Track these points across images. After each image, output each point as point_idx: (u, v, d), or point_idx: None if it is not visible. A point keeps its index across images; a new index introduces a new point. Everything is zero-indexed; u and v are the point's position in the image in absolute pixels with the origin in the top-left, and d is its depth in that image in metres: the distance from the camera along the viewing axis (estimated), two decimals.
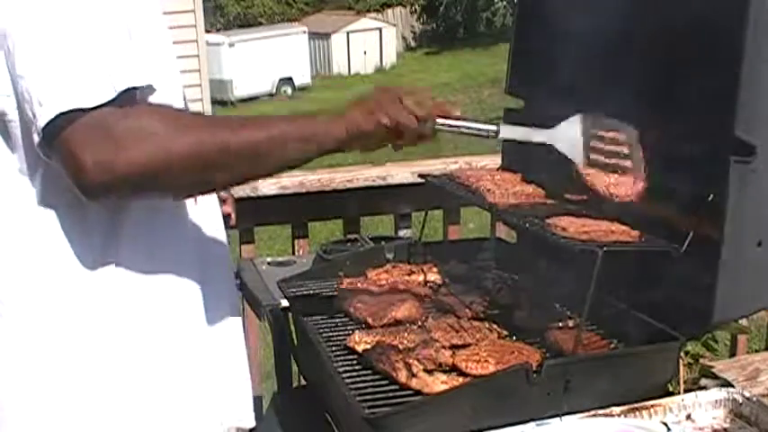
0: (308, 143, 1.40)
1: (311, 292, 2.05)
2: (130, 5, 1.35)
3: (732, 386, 1.71)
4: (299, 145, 1.40)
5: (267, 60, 21.69)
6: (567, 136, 1.69)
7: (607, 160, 1.71)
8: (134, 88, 1.27)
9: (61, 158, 1.25)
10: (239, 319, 1.68)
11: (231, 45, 21.60)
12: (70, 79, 1.23)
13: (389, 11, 29.10)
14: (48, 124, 1.22)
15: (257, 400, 3.09)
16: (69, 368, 1.38)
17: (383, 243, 2.44)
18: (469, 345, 1.69)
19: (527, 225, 1.77)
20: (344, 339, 1.76)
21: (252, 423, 1.67)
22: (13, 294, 1.37)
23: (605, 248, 1.54)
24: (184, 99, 1.58)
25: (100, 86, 1.24)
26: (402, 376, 1.56)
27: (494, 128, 1.57)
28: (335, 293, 1.99)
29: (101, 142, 1.22)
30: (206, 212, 1.57)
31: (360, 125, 1.43)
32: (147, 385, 1.43)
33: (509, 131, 1.63)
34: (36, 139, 1.25)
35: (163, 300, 1.45)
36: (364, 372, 1.63)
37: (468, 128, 1.54)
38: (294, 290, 2.03)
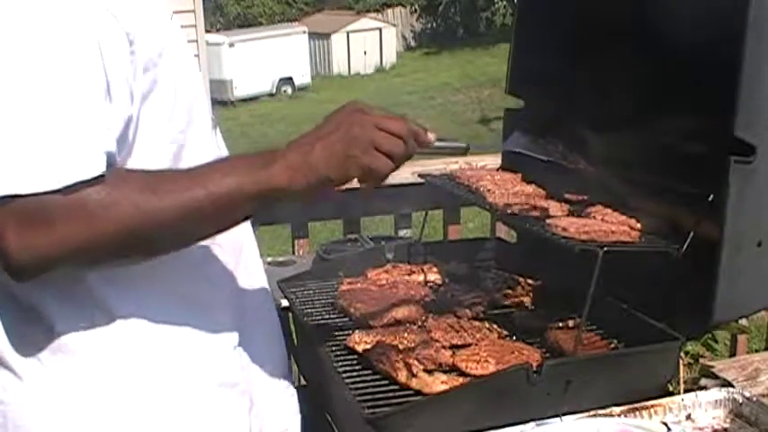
0: (261, 201, 1.24)
1: (311, 291, 2.05)
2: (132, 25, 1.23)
3: (732, 386, 1.71)
4: (245, 204, 1.24)
5: (267, 60, 21.71)
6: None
7: None
8: (82, 182, 1.14)
9: None
10: (283, 348, 1.63)
11: (231, 45, 21.61)
12: (15, 160, 1.11)
13: (389, 11, 29.10)
14: None
15: None
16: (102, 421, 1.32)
17: (383, 243, 2.44)
18: (469, 345, 1.69)
19: (527, 225, 1.77)
20: (344, 339, 1.76)
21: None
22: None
23: (605, 248, 1.54)
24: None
25: (47, 173, 1.12)
26: (402, 376, 1.56)
27: (463, 145, 1.50)
28: (335, 293, 1.99)
29: (30, 227, 1.12)
30: (235, 250, 1.48)
31: (321, 173, 1.23)
32: None
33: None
34: None
35: (187, 345, 1.37)
36: (364, 372, 1.63)
37: (442, 148, 1.45)
38: (294, 290, 2.03)
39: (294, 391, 1.67)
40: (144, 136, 1.27)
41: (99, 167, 1.15)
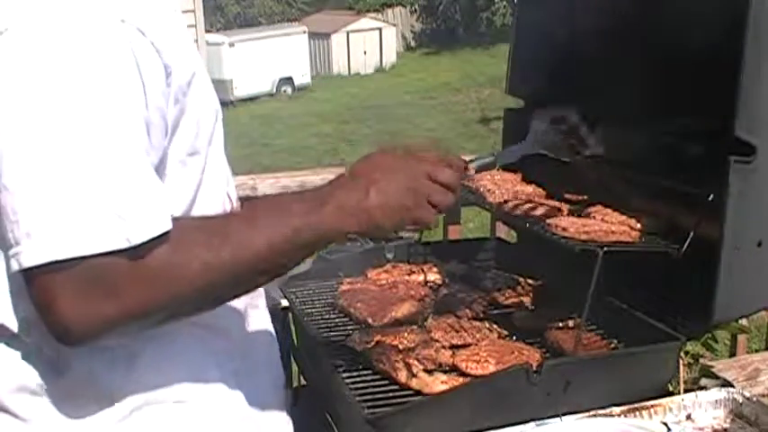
0: (315, 246, 1.20)
1: (311, 291, 2.05)
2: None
3: (732, 386, 1.71)
4: (302, 250, 1.19)
5: (267, 60, 21.70)
6: (546, 138, 1.69)
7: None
8: (151, 240, 1.05)
9: (39, 303, 1.04)
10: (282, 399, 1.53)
11: (231, 45, 21.61)
12: (77, 219, 1.01)
13: (389, 11, 29.10)
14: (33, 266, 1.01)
15: None
16: None
17: (383, 243, 2.44)
18: (469, 345, 1.69)
19: (527, 225, 1.77)
20: (344, 339, 1.76)
21: None
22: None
23: (605, 248, 1.54)
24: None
25: (109, 233, 1.02)
26: (402, 376, 1.56)
27: (492, 158, 1.55)
28: (335, 293, 1.99)
29: (92, 293, 1.03)
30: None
31: (375, 221, 1.20)
32: None
33: (506, 156, 1.67)
34: (14, 266, 1.03)
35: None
36: (364, 372, 1.63)
37: (478, 168, 1.50)
38: (294, 290, 2.03)
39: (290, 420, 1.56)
40: (171, 168, 1.21)
41: (167, 223, 1.07)
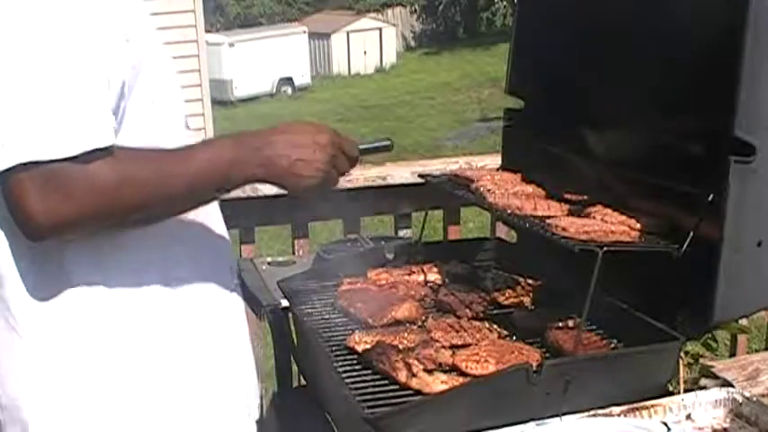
0: (227, 179, 1.38)
1: (311, 291, 2.05)
2: (120, 25, 1.34)
3: (732, 386, 1.71)
4: (224, 186, 1.39)
5: (267, 60, 21.70)
6: None
7: None
8: (94, 151, 1.25)
9: (10, 201, 1.24)
10: (241, 310, 1.67)
11: (231, 45, 21.61)
12: (37, 129, 1.21)
13: (389, 11, 29.11)
14: (5, 169, 1.21)
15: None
16: (77, 376, 1.37)
17: (383, 243, 2.44)
18: (469, 345, 1.69)
19: (527, 225, 1.77)
20: (344, 339, 1.76)
21: (256, 415, 1.65)
22: (22, 310, 1.37)
23: (605, 248, 1.54)
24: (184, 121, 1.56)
25: (65, 141, 1.22)
26: (402, 376, 1.56)
27: (387, 142, 1.63)
28: (335, 293, 1.99)
29: (51, 193, 1.22)
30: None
31: (281, 170, 1.39)
32: (151, 389, 1.41)
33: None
34: None
35: (153, 303, 1.42)
36: (364, 372, 1.63)
37: (373, 147, 1.61)
38: (294, 289, 2.03)
39: (254, 368, 1.68)
40: (125, 132, 1.36)
41: (109, 138, 1.26)
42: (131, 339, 1.39)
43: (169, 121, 1.47)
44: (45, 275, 1.35)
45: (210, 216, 1.58)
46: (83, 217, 1.25)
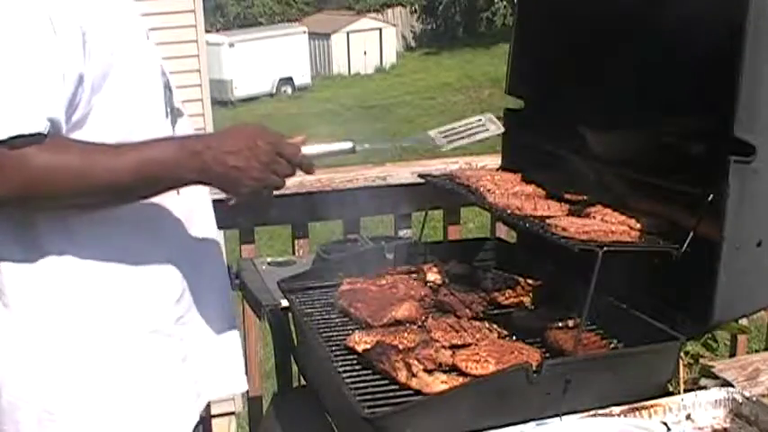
0: (159, 179, 1.43)
1: (311, 291, 2.05)
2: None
3: (732, 386, 1.71)
4: (154, 186, 1.44)
5: (267, 60, 21.72)
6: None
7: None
8: (22, 136, 1.32)
9: None
10: (231, 315, 1.75)
11: (231, 45, 21.63)
12: None
13: (389, 11, 29.12)
14: None
15: (257, 401, 3.10)
16: (45, 341, 1.47)
17: (383, 243, 2.44)
18: (469, 345, 1.69)
19: (527, 225, 1.77)
20: (344, 339, 1.76)
21: (239, 389, 1.77)
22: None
23: (605, 248, 1.54)
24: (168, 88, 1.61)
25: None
26: (402, 376, 1.56)
27: (349, 144, 1.62)
28: (335, 293, 1.99)
29: None
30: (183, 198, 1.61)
31: (215, 172, 1.43)
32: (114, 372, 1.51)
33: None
34: None
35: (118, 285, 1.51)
36: (364, 372, 1.63)
37: (329, 151, 1.60)
38: (294, 289, 2.03)
39: (241, 361, 1.79)
40: (94, 123, 1.44)
41: (38, 126, 1.33)
42: (93, 308, 1.48)
43: (147, 113, 1.52)
44: (23, 246, 1.44)
45: (196, 213, 1.63)
46: (10, 197, 1.35)
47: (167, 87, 1.59)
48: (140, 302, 1.53)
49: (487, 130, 1.77)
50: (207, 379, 1.69)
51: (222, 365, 1.73)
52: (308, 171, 1.53)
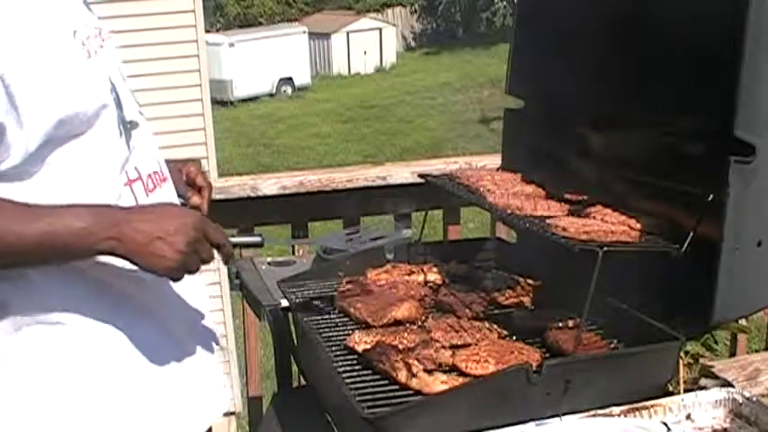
0: (67, 250, 1.36)
1: (311, 292, 2.05)
2: None
3: (732, 386, 1.71)
4: (63, 255, 1.36)
5: (267, 60, 21.71)
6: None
7: None
8: None
9: None
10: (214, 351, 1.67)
11: (231, 45, 21.62)
12: None
13: (389, 11, 29.12)
14: None
15: (257, 401, 3.10)
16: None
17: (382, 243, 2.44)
18: (469, 345, 1.69)
19: (527, 225, 1.77)
20: (344, 339, 1.76)
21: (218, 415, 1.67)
22: None
23: (605, 248, 1.54)
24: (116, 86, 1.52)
25: None
26: (402, 376, 1.56)
27: (258, 239, 1.65)
28: (335, 293, 1.99)
29: None
30: None
31: (134, 248, 1.36)
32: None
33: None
34: None
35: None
36: (364, 372, 1.63)
37: (242, 242, 1.63)
38: (294, 290, 2.03)
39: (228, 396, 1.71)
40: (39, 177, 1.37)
41: None
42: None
43: (96, 168, 1.44)
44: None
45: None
46: None
47: (117, 104, 1.48)
48: (120, 354, 1.47)
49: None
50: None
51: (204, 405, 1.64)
52: (227, 257, 1.48)
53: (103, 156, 1.44)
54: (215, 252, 1.45)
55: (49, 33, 1.37)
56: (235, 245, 1.53)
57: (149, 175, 1.52)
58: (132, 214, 1.39)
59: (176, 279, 1.41)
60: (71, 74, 1.38)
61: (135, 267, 1.39)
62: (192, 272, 1.42)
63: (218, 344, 1.68)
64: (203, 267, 1.49)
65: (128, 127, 1.51)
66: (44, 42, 1.35)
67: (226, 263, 1.52)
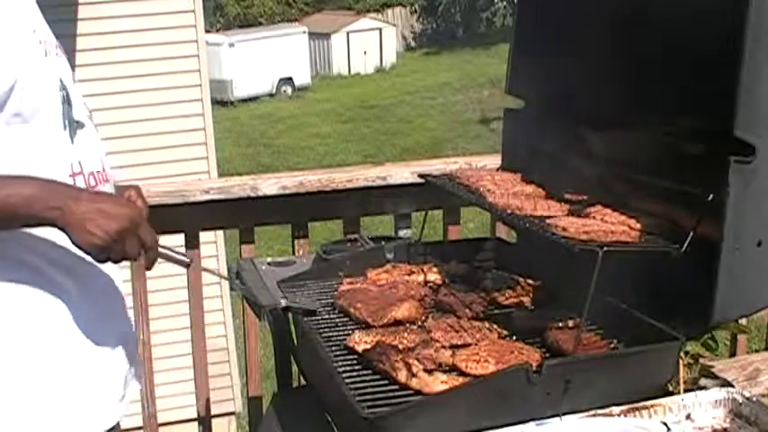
0: (15, 216, 1.43)
1: (311, 291, 2.05)
2: None
3: (732, 386, 1.71)
4: (14, 219, 1.44)
5: (267, 60, 21.72)
6: None
7: None
8: None
9: None
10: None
11: (231, 45, 21.63)
12: None
13: (389, 11, 29.12)
14: None
15: (257, 401, 3.10)
16: None
17: (383, 243, 2.44)
18: (469, 345, 1.69)
19: (527, 225, 1.77)
20: (344, 339, 1.76)
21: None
22: None
23: (605, 248, 1.54)
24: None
25: None
26: (402, 376, 1.56)
27: (187, 260, 1.68)
28: (335, 293, 1.99)
29: None
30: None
31: (74, 225, 1.43)
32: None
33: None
34: None
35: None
36: (364, 372, 1.63)
37: (171, 256, 1.64)
38: (294, 290, 2.03)
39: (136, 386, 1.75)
40: None
41: None
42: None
43: (41, 129, 1.53)
44: None
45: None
46: None
47: (66, 101, 1.60)
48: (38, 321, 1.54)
49: None
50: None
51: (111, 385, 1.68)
52: (150, 262, 1.54)
53: (47, 143, 1.53)
54: (141, 252, 1.52)
55: (10, 22, 1.48)
56: (162, 254, 1.58)
57: (92, 173, 1.61)
58: (81, 192, 1.50)
59: (99, 260, 1.48)
60: (25, 54, 1.49)
61: (70, 259, 1.50)
62: (114, 260, 1.49)
63: (133, 345, 1.75)
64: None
65: (74, 125, 1.61)
66: (3, 26, 1.46)
67: (147, 268, 1.57)
